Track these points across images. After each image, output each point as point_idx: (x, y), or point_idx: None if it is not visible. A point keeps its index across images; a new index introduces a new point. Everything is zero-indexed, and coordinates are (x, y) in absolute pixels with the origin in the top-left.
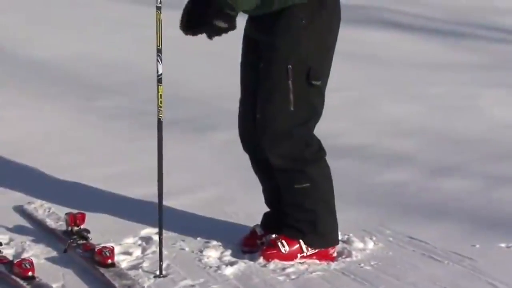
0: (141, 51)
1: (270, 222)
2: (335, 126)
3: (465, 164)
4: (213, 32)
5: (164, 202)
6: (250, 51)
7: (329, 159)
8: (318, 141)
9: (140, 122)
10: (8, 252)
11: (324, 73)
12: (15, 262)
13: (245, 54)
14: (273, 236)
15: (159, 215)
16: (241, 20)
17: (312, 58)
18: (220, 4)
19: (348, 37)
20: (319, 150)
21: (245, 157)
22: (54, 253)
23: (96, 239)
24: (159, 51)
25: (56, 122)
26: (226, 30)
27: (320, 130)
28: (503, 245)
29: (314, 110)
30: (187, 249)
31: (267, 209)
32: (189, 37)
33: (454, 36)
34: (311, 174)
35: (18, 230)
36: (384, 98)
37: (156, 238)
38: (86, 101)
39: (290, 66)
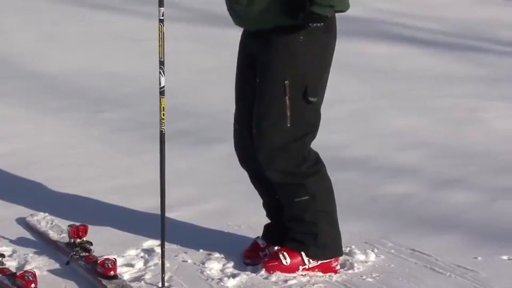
0: (146, 64)
1: (271, 234)
2: (340, 138)
3: (468, 176)
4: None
5: (167, 214)
6: (246, 68)
7: (333, 171)
8: (316, 154)
9: (145, 134)
10: (11, 264)
11: (320, 90)
12: (18, 274)
13: (240, 70)
14: (275, 248)
15: (161, 227)
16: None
17: (309, 75)
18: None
19: (354, 50)
20: (317, 163)
21: None
22: (56, 265)
23: (99, 251)
24: (161, 63)
25: (61, 135)
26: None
27: (324, 142)
28: (505, 257)
29: (310, 126)
30: (189, 261)
31: (268, 221)
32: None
33: (459, 50)
34: (310, 187)
35: (21, 242)
36: (389, 111)
37: (158, 250)
38: (91, 114)
39: (287, 82)
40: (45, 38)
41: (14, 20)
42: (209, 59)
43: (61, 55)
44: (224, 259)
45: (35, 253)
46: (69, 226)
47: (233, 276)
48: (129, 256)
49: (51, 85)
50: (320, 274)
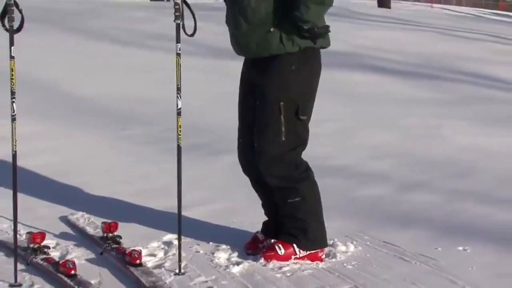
0: (164, 90)
1: (269, 229)
2: (325, 150)
3: (430, 181)
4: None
5: (183, 213)
6: (247, 92)
7: (319, 177)
8: (306, 163)
9: (164, 147)
10: (55, 254)
11: (309, 110)
12: (60, 262)
13: (242, 95)
14: (272, 241)
15: (178, 224)
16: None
17: (300, 97)
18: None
19: (336, 78)
20: (307, 171)
21: None
22: (92, 255)
23: (127, 243)
24: (178, 89)
25: (94, 148)
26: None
27: (313, 153)
28: (460, 248)
29: (301, 139)
30: (201, 251)
31: (266, 218)
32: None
33: (423, 78)
34: (301, 190)
35: (63, 236)
36: (365, 128)
37: (175, 242)
38: (118, 131)
39: (282, 104)
40: (78, 68)
41: (53, 55)
42: (217, 86)
43: (92, 82)
44: (230, 250)
45: (75, 245)
46: (102, 223)
47: (237, 264)
48: (151, 247)
49: (86, 106)
50: (309, 262)
